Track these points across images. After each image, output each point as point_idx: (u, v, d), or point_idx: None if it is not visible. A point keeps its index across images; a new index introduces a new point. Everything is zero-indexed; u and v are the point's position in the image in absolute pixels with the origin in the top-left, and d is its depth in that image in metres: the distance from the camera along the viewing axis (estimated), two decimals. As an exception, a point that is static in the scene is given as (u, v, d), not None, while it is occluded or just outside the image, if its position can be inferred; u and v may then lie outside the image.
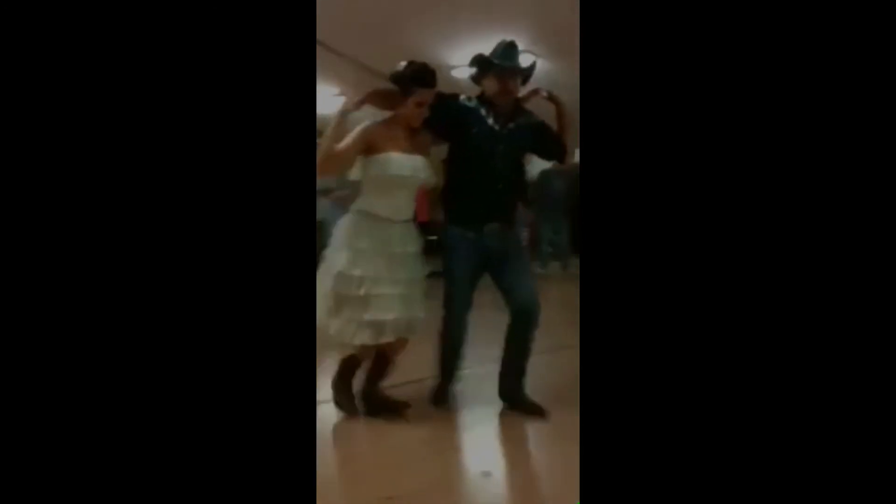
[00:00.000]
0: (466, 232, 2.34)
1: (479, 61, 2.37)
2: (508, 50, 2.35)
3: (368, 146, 2.16)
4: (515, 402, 2.43)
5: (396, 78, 2.20)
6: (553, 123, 2.47)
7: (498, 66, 2.31)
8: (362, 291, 2.14)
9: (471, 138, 2.31)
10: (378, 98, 2.20)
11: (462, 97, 2.37)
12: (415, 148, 2.25)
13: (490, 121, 2.33)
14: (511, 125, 2.35)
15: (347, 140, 2.12)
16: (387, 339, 2.19)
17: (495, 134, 2.33)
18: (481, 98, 2.37)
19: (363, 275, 2.14)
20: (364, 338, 2.16)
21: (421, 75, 2.19)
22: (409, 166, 2.20)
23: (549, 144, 2.47)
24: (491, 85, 2.33)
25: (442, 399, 2.50)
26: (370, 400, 2.40)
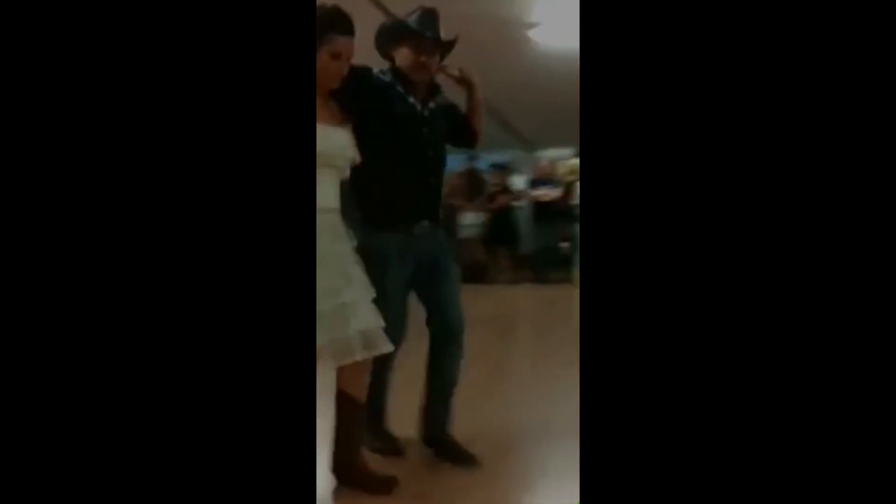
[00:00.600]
0: (394, 234, 1.91)
1: (392, 27, 1.99)
2: (428, 18, 1.94)
3: None
4: (442, 447, 2.03)
5: None
6: (461, 104, 2.12)
7: (416, 35, 1.91)
8: None
9: (392, 120, 1.91)
10: None
11: (375, 70, 1.97)
12: (334, 118, 1.78)
13: (410, 99, 1.95)
14: (431, 105, 2.00)
15: None
16: (355, 356, 1.70)
17: (417, 115, 1.95)
18: (395, 72, 1.96)
19: None
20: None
21: (333, 19, 1.73)
22: (328, 140, 1.68)
23: (461, 129, 2.12)
24: (405, 56, 1.93)
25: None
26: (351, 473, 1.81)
